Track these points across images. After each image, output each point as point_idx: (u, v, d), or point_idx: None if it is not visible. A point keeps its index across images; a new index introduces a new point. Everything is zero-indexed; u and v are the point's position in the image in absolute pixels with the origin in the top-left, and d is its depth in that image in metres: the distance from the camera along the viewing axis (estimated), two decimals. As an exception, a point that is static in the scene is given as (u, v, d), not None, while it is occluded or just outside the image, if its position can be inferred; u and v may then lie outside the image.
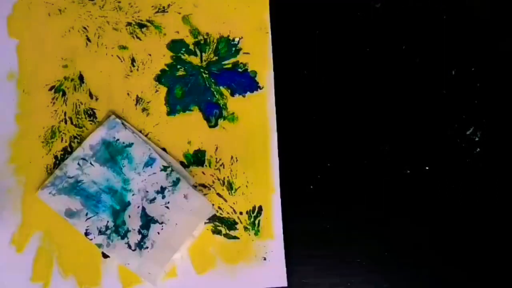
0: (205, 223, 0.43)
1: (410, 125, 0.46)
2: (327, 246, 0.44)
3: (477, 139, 0.45)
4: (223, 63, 0.45)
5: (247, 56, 0.46)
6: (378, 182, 0.45)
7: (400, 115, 0.46)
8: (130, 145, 0.43)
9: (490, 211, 0.45)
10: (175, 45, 0.45)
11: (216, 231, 0.43)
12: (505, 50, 0.47)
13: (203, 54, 0.45)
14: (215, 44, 0.46)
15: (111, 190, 0.42)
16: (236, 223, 0.44)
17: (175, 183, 0.42)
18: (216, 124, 0.45)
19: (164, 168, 0.43)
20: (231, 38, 0.46)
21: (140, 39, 0.45)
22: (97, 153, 0.43)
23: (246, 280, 0.43)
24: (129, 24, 0.45)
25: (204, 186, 0.44)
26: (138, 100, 0.45)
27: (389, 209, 0.44)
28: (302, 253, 0.44)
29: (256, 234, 0.43)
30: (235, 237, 0.43)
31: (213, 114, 0.45)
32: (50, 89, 0.44)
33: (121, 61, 0.45)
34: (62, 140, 0.44)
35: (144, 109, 0.45)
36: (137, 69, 0.45)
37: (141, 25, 0.45)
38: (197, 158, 0.44)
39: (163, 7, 0.46)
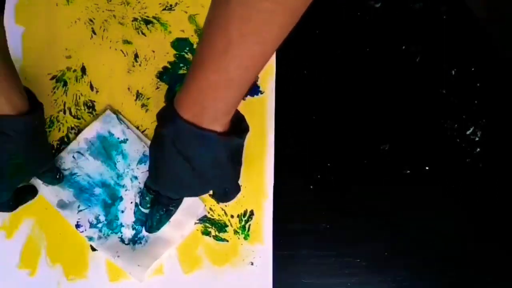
0: (196, 223, 0.43)
1: (410, 125, 0.46)
2: (327, 246, 0.44)
3: (477, 139, 0.45)
4: (225, 65, 0.45)
5: (250, 59, 0.46)
6: (378, 182, 0.45)
7: (400, 115, 0.46)
8: (125, 141, 0.43)
9: (490, 211, 0.45)
10: (180, 44, 0.46)
11: (206, 232, 0.43)
12: (504, 50, 0.47)
13: (207, 54, 0.45)
14: (219, 46, 0.46)
15: (104, 185, 0.42)
16: (227, 226, 0.43)
17: None
18: (214, 125, 0.45)
19: None
20: (235, 40, 0.46)
21: (145, 35, 0.45)
22: (92, 147, 0.43)
23: (231, 283, 0.43)
24: (135, 19, 0.45)
25: (197, 186, 0.44)
26: (138, 95, 0.45)
27: (389, 209, 0.44)
28: (302, 253, 0.44)
29: (245, 238, 0.43)
30: (224, 240, 0.43)
31: (212, 115, 0.45)
32: (52, 79, 0.44)
33: (125, 56, 0.45)
34: (59, 130, 0.44)
35: (143, 105, 0.45)
36: (140, 65, 0.45)
37: (147, 21, 0.45)
38: (192, 158, 0.44)
39: (171, 5, 0.46)
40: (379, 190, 0.45)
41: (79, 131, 0.44)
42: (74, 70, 0.45)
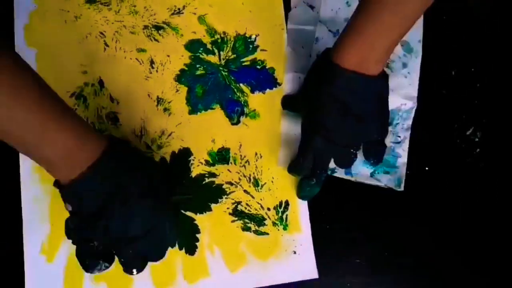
0: (233, 221, 0.43)
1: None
2: (326, 247, 0.43)
3: (477, 139, 0.46)
4: (241, 60, 0.46)
5: (264, 53, 0.46)
6: None
7: None
8: None
9: (490, 211, 0.45)
10: (193, 45, 0.46)
11: (246, 228, 0.43)
12: (504, 50, 0.47)
13: (221, 52, 0.46)
14: (232, 42, 0.46)
15: None
16: (265, 219, 0.43)
17: None
18: (238, 121, 0.45)
19: None
20: (247, 35, 0.46)
21: (158, 41, 0.45)
22: None
23: (278, 274, 0.42)
24: (146, 27, 0.45)
25: (231, 183, 0.44)
26: (159, 100, 0.45)
27: (389, 210, 0.44)
28: None
29: (284, 228, 0.43)
30: (264, 233, 0.43)
31: (235, 111, 0.45)
32: (71, 96, 0.44)
33: (140, 64, 0.45)
34: (86, 145, 0.43)
35: (165, 109, 0.44)
36: (156, 71, 0.45)
37: (158, 27, 0.45)
38: (221, 156, 0.44)
39: (179, 9, 0.46)
40: (379, 191, 0.44)
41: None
42: (92, 85, 0.44)
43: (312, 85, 0.39)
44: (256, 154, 0.44)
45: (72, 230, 0.36)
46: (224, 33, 0.46)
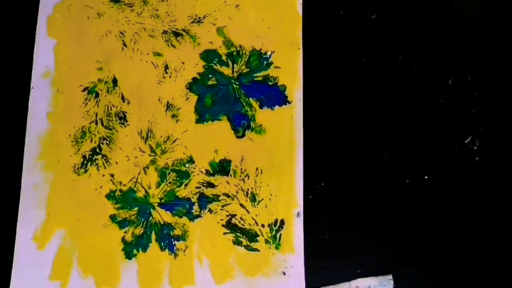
0: (226, 233, 0.43)
1: (408, 135, 0.46)
2: (326, 257, 0.43)
3: (475, 148, 0.45)
4: (254, 75, 0.46)
5: (278, 70, 0.46)
6: (377, 191, 0.45)
7: (398, 124, 0.46)
8: None
9: (490, 220, 0.44)
10: (208, 55, 0.46)
11: (237, 242, 0.43)
12: (501, 59, 0.47)
13: (235, 65, 0.46)
14: (247, 57, 0.46)
15: None
16: (258, 235, 0.43)
17: None
18: (243, 135, 0.45)
19: None
20: (263, 51, 0.47)
21: (175, 47, 0.46)
22: None
23: (264, 293, 0.42)
24: (165, 32, 0.46)
25: (227, 195, 0.44)
26: (168, 106, 0.45)
27: (389, 219, 0.44)
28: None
29: (277, 247, 0.43)
30: (255, 249, 0.43)
31: (241, 124, 0.45)
32: (84, 90, 0.45)
33: (155, 67, 0.46)
34: (91, 140, 0.44)
35: (173, 116, 0.45)
36: (170, 76, 0.46)
37: (176, 34, 0.46)
38: (222, 167, 0.44)
39: (199, 18, 0.47)
40: (378, 200, 0.44)
41: (111, 141, 0.44)
42: (106, 82, 0.45)
43: None
44: (257, 169, 0.44)
45: None
46: (240, 46, 0.46)
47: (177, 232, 0.43)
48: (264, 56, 0.46)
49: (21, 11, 0.46)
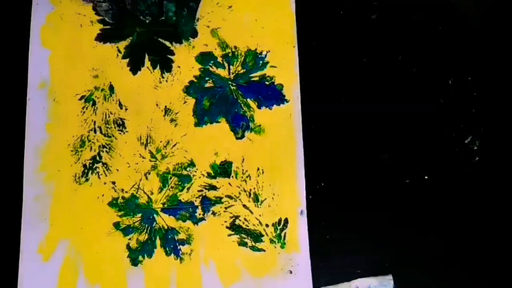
0: (230, 235, 0.43)
1: (408, 135, 0.46)
2: (326, 257, 0.43)
3: (475, 148, 0.46)
4: (250, 75, 0.46)
5: (274, 69, 0.46)
6: (377, 191, 0.45)
7: (398, 124, 0.46)
8: None
9: (490, 220, 0.44)
10: (204, 58, 0.46)
11: (242, 243, 0.43)
12: (501, 59, 0.47)
13: (231, 66, 0.46)
14: (243, 57, 0.46)
15: None
16: (262, 236, 0.43)
17: None
18: (243, 136, 0.45)
19: None
20: (258, 51, 0.46)
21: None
22: None
23: (271, 293, 0.42)
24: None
25: (230, 197, 0.44)
26: (166, 111, 0.45)
27: (389, 219, 0.44)
28: None
29: (282, 247, 0.43)
30: (261, 250, 0.43)
31: (240, 126, 0.45)
32: (81, 99, 0.45)
33: (151, 73, 0.46)
34: (91, 149, 0.44)
35: (172, 120, 0.45)
36: (166, 81, 0.46)
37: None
38: (223, 169, 0.44)
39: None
40: (378, 200, 0.44)
41: (111, 148, 0.44)
42: (102, 89, 0.45)
43: None
44: (258, 169, 0.44)
45: None
46: (235, 47, 0.46)
47: (182, 236, 0.43)
48: (259, 56, 0.46)
49: (14, 23, 0.46)
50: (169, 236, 0.43)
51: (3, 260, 0.42)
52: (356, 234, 0.44)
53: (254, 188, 0.44)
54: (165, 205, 0.43)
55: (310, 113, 0.46)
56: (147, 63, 0.46)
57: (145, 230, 0.43)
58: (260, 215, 0.44)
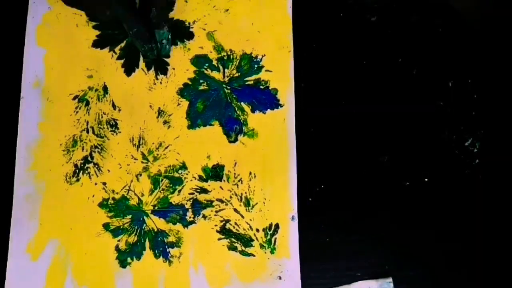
0: (220, 238, 0.43)
1: (408, 137, 0.46)
2: (325, 259, 0.43)
3: (475, 150, 0.45)
4: (245, 79, 0.46)
5: (269, 73, 0.46)
6: (377, 194, 0.45)
7: (398, 127, 0.46)
8: None
9: (490, 222, 0.44)
10: (199, 60, 0.46)
11: (232, 248, 0.43)
12: (501, 61, 0.47)
13: (226, 70, 0.46)
14: (238, 61, 0.46)
15: None
16: (252, 240, 0.43)
17: None
18: (236, 140, 0.45)
19: None
20: (254, 55, 0.46)
21: (165, 53, 0.46)
22: None
23: (260, 298, 0.42)
24: (154, 38, 0.46)
25: (221, 201, 0.44)
26: (160, 112, 0.45)
27: (389, 221, 0.44)
28: (301, 267, 0.43)
29: (272, 252, 0.43)
30: (251, 254, 0.43)
31: (233, 129, 0.45)
32: (74, 98, 0.45)
33: (145, 74, 0.45)
34: (83, 149, 0.44)
35: (165, 122, 0.45)
36: (161, 82, 0.45)
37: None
38: (215, 173, 0.44)
39: (189, 23, 0.47)
40: (378, 202, 0.44)
41: (103, 149, 0.44)
42: (96, 90, 0.45)
43: None
44: (250, 173, 0.44)
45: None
46: (230, 50, 0.46)
47: (171, 239, 0.43)
48: (255, 59, 0.46)
49: (10, 21, 0.46)
50: (159, 239, 0.43)
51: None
52: (356, 237, 0.44)
53: (246, 192, 0.44)
54: (156, 207, 0.43)
55: (311, 115, 0.46)
56: (142, 64, 0.46)
57: (134, 232, 0.43)
58: (251, 220, 0.44)
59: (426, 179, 0.45)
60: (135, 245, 0.42)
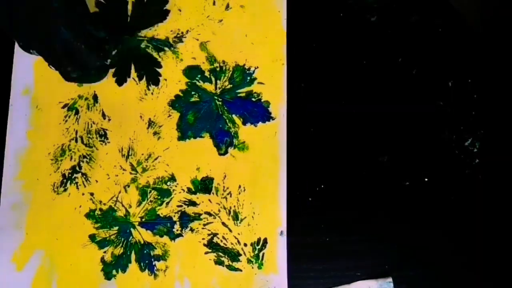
0: (207, 252, 0.43)
1: (408, 137, 0.45)
2: (326, 260, 0.43)
3: (475, 150, 0.45)
4: (237, 91, 0.45)
5: (261, 86, 0.46)
6: (377, 194, 0.44)
7: (398, 127, 0.46)
8: None
9: (490, 222, 0.44)
10: (191, 71, 0.46)
11: (219, 262, 0.43)
12: (501, 61, 0.47)
13: (218, 81, 0.46)
14: (231, 72, 0.46)
15: None
16: (240, 255, 0.43)
17: None
18: (226, 152, 0.44)
19: None
20: (247, 67, 0.46)
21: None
22: None
23: (246, 314, 0.42)
24: (147, 47, 0.46)
25: (209, 214, 0.43)
26: (150, 123, 0.45)
27: (389, 221, 0.44)
28: (301, 267, 0.43)
29: (259, 267, 0.43)
30: (237, 269, 0.42)
31: (224, 141, 0.45)
32: (64, 107, 0.44)
33: (137, 84, 0.45)
34: (71, 158, 0.44)
35: (155, 133, 0.44)
36: (152, 93, 0.45)
37: (158, 49, 0.46)
38: (204, 185, 0.44)
39: (182, 33, 0.46)
40: (378, 202, 0.44)
41: (91, 159, 0.43)
42: (86, 98, 0.45)
43: None
44: (239, 187, 0.44)
45: None
46: (223, 62, 0.46)
47: (158, 252, 0.42)
48: (247, 71, 0.46)
49: None
50: (145, 251, 0.42)
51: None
52: (356, 237, 0.44)
53: (234, 206, 0.44)
54: (143, 219, 0.43)
55: (311, 115, 0.45)
56: (133, 74, 0.45)
57: (120, 244, 0.42)
58: (239, 234, 0.43)
59: (426, 179, 0.45)
60: (121, 257, 0.42)
